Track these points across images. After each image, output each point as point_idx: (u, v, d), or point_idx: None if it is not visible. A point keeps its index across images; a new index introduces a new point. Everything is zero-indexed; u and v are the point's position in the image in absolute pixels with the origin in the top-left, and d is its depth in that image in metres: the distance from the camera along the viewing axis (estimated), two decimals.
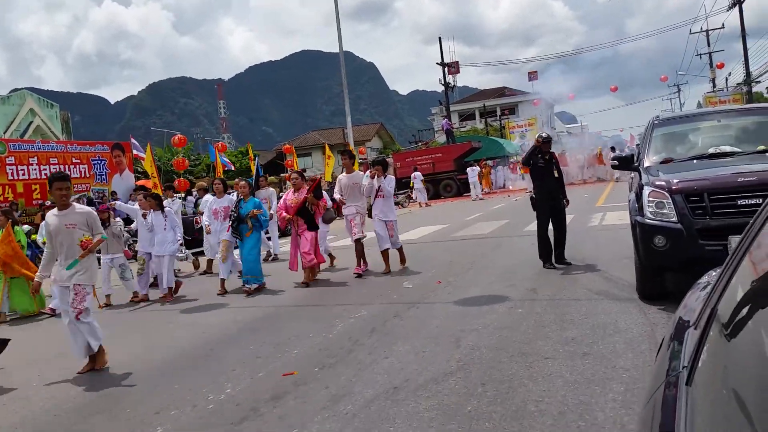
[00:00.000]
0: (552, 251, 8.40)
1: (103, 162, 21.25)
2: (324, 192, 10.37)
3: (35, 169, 18.89)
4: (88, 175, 20.61)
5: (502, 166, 37.73)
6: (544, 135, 8.58)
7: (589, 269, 7.87)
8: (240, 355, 5.68)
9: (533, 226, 12.56)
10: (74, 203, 6.04)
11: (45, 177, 19.21)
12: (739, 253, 1.47)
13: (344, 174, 9.84)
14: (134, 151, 22.86)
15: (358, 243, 9.57)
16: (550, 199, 8.37)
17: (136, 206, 10.38)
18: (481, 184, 29.85)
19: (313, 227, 9.33)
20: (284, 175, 31.55)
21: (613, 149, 32.54)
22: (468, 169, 29.21)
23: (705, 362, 1.26)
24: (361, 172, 10.61)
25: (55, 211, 5.85)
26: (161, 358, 5.98)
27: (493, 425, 3.47)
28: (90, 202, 19.35)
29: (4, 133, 48.13)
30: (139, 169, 26.64)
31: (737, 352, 1.12)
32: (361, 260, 9.59)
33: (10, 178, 18.09)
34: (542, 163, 8.41)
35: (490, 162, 35.60)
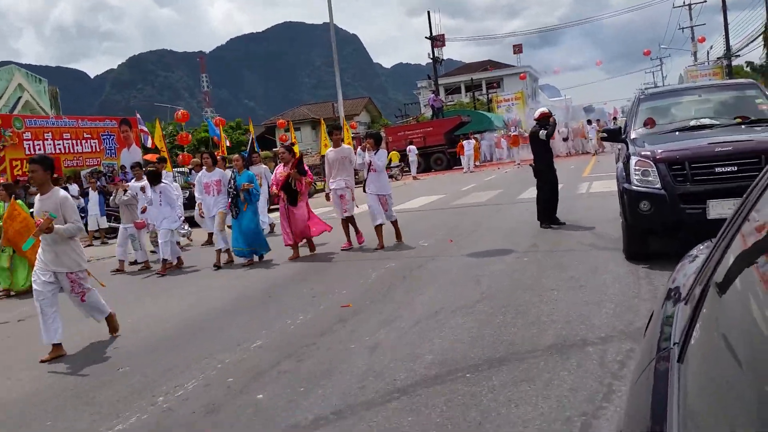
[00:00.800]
0: (549, 214, 9.60)
1: (112, 137, 22.13)
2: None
3: (50, 144, 19.79)
4: (98, 150, 21.50)
5: (487, 140, 38.75)
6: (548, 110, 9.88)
7: (581, 228, 9.10)
8: (296, 297, 6.86)
9: (526, 194, 13.90)
10: (57, 188, 5.97)
11: (59, 152, 20.14)
12: (732, 228, 1.45)
13: (332, 149, 9.95)
14: (140, 126, 23.69)
15: (345, 220, 9.74)
16: (550, 169, 9.57)
17: (138, 183, 10.62)
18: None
19: (294, 203, 9.53)
20: (277, 149, 32.52)
21: (589, 122, 33.84)
22: (464, 142, 30.33)
23: (698, 339, 1.24)
24: (348, 146, 10.62)
25: (39, 194, 5.90)
26: (227, 301, 7.13)
27: (518, 329, 4.69)
28: (91, 175, 20.16)
29: None
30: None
31: (732, 329, 1.10)
32: (350, 234, 9.78)
33: (28, 152, 18.93)
34: (541, 137, 9.59)
35: (477, 136, 36.71)
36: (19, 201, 9.94)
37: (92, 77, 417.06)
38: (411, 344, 4.66)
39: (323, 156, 11.40)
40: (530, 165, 10.24)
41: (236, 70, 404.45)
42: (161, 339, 5.80)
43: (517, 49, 75.27)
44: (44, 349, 5.62)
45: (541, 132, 9.51)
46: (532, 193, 12.01)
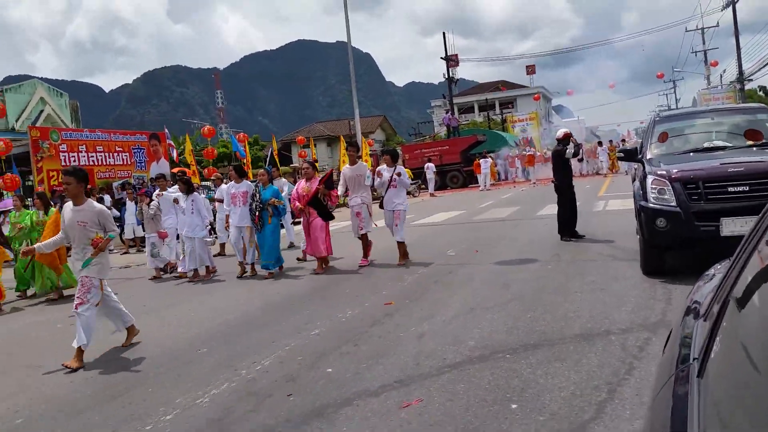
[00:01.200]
0: (569, 228, 10.24)
1: (142, 150, 23.04)
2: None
3: (84, 156, 20.69)
4: (129, 163, 22.39)
5: (501, 159, 39.32)
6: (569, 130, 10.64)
7: (599, 241, 9.73)
8: (341, 296, 7.54)
9: (545, 211, 14.55)
10: (89, 199, 6.03)
11: (93, 164, 21.03)
12: (749, 246, 1.48)
13: (348, 166, 10.09)
14: (168, 141, 24.65)
15: (364, 237, 9.82)
16: (570, 186, 10.25)
17: (172, 194, 11.08)
18: None
19: (326, 218, 9.67)
20: (300, 164, 33.42)
21: (600, 144, 34.46)
22: (481, 160, 31.05)
23: (718, 354, 1.25)
24: (364, 164, 10.70)
25: (71, 204, 5.92)
26: (276, 300, 7.81)
27: (547, 323, 5.34)
28: (122, 187, 20.97)
29: (16, 121, 49.61)
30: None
31: (752, 342, 1.11)
32: (368, 251, 9.87)
33: (63, 164, 19.81)
34: (567, 156, 10.28)
35: (492, 155, 37.39)
36: (52, 209, 10.34)
37: (107, 92, 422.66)
38: (453, 333, 5.31)
39: (340, 172, 11.85)
40: (552, 182, 10.90)
41: (250, 87, 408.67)
42: (227, 328, 6.46)
43: (530, 69, 76.23)
44: (121, 336, 6.30)
45: (567, 151, 10.17)
46: (550, 209, 12.70)
